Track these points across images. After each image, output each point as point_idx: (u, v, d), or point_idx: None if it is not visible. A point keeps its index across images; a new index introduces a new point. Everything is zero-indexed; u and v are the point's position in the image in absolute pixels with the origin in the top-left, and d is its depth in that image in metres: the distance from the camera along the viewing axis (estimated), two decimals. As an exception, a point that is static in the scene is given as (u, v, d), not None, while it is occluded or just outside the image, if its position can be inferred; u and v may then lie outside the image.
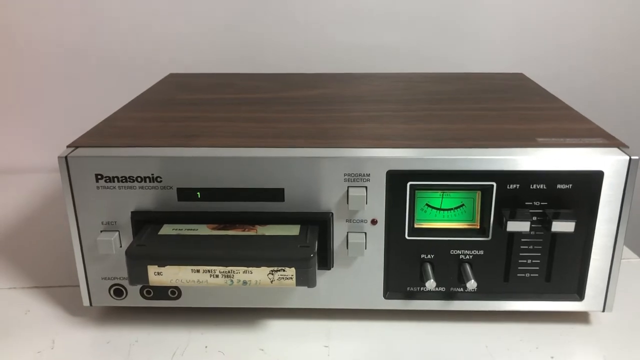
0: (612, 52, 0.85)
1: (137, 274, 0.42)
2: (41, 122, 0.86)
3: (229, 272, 0.42)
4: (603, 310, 0.48)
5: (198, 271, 0.42)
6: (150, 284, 0.43)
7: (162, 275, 0.42)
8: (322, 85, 0.68)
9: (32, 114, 0.86)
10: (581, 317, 0.50)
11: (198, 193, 0.45)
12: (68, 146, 0.46)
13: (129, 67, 0.83)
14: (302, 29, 0.83)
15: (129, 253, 0.42)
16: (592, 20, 0.84)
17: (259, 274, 0.42)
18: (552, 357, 0.45)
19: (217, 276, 0.42)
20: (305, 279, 0.42)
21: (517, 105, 0.58)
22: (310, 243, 0.43)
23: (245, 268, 0.42)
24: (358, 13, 0.83)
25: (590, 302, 0.47)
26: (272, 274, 0.42)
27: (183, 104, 0.60)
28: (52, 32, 0.82)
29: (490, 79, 0.70)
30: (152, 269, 0.42)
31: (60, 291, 0.54)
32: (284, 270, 0.42)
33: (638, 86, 0.87)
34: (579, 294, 0.47)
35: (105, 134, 0.50)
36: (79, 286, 0.48)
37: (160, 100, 0.62)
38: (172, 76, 0.74)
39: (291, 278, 0.42)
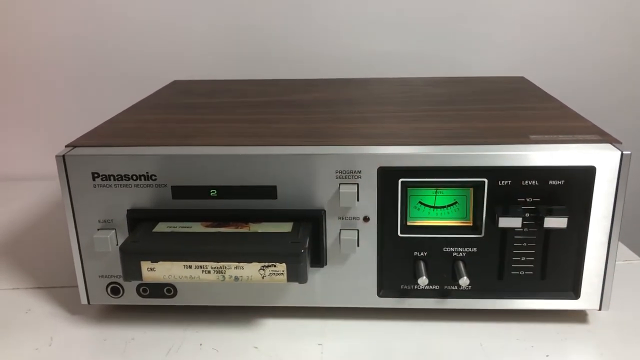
0: (619, 55, 0.85)
1: (131, 270, 0.43)
2: (54, 131, 0.88)
3: (220, 267, 0.43)
4: (600, 309, 0.47)
5: (190, 267, 0.43)
6: (144, 280, 0.43)
7: (155, 271, 0.43)
8: (321, 89, 0.68)
9: (44, 124, 0.88)
10: (579, 316, 0.49)
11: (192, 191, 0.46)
12: (66, 146, 0.47)
13: (138, 77, 0.85)
14: (308, 35, 0.84)
15: (122, 249, 0.43)
16: (599, 24, 0.83)
17: (250, 270, 0.43)
18: (547, 356, 0.45)
19: (209, 272, 0.43)
20: (296, 275, 0.42)
21: (514, 106, 0.58)
22: (302, 239, 0.44)
23: (237, 264, 0.42)
24: (362, 19, 0.83)
25: (586, 300, 0.47)
26: (263, 270, 0.42)
27: (182, 107, 0.61)
28: (60, 40, 0.84)
29: (490, 82, 0.70)
30: (145, 265, 0.43)
31: (61, 291, 0.55)
32: (274, 266, 0.42)
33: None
34: (575, 292, 0.47)
35: (103, 134, 0.51)
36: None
37: (160, 104, 0.63)
38: (175, 83, 0.76)
39: (282, 273, 0.42)
